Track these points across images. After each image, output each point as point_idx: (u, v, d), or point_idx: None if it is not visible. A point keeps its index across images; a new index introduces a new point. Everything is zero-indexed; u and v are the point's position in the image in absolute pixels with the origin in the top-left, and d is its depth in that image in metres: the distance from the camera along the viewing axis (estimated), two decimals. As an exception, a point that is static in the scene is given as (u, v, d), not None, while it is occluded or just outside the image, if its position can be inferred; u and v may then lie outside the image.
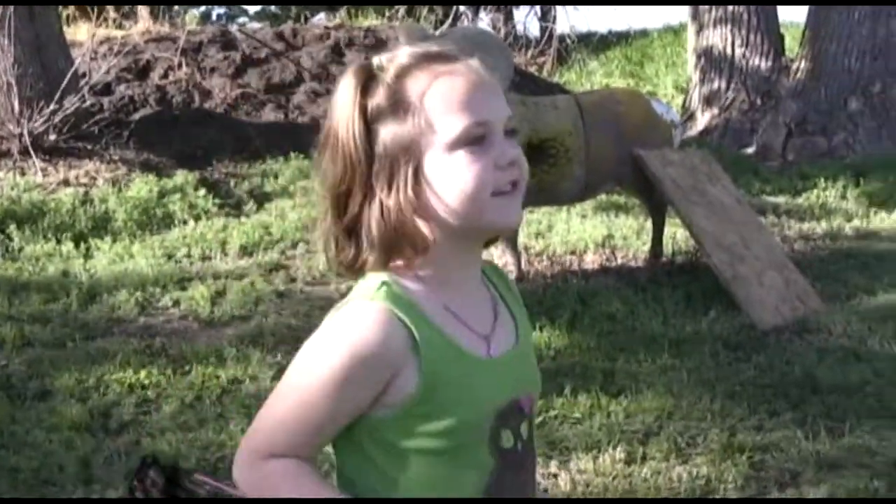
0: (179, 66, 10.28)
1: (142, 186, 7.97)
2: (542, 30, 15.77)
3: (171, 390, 4.82)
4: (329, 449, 1.74)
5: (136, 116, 9.39)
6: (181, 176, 8.31)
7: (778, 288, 6.02)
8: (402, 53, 1.72)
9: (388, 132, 1.68)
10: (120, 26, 11.91)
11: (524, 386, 1.84)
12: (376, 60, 1.72)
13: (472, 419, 1.74)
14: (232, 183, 8.65)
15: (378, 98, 1.69)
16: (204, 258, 6.82)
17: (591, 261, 6.91)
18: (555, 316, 5.51)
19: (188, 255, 6.82)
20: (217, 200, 8.05)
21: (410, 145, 1.67)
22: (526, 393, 1.84)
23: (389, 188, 1.68)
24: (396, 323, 1.66)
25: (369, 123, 1.69)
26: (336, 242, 1.75)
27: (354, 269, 1.75)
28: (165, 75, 10.21)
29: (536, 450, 1.90)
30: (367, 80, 1.70)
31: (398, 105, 1.68)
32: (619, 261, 7.00)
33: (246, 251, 7.01)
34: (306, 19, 14.25)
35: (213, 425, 4.46)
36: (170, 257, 6.80)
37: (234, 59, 10.57)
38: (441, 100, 1.67)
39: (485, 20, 16.32)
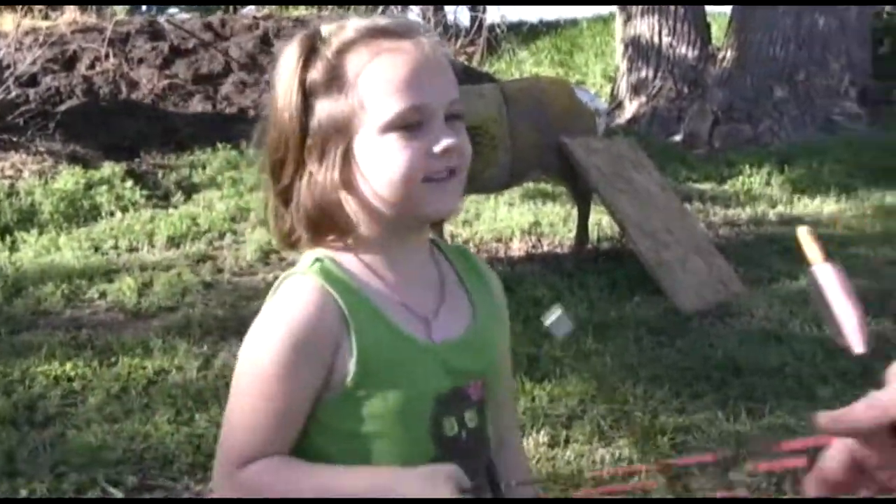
0: (107, 56, 10.21)
1: (68, 178, 7.91)
2: (473, 19, 15.81)
3: (98, 382, 4.80)
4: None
5: (63, 108, 9.31)
6: (108, 168, 8.26)
7: (701, 273, 6.11)
8: (350, 26, 1.67)
9: (322, 108, 1.65)
10: (46, 17, 11.79)
11: (474, 373, 1.78)
12: (324, 30, 1.67)
13: (409, 403, 1.70)
14: (160, 174, 8.60)
15: (316, 72, 1.65)
16: (131, 250, 6.79)
17: (518, 248, 6.97)
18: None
19: (115, 247, 6.80)
20: (144, 192, 8.01)
21: (343, 124, 1.64)
22: (475, 380, 1.78)
23: (319, 164, 1.66)
24: (328, 298, 1.64)
25: (307, 97, 1.66)
26: (275, 212, 1.74)
27: (290, 242, 1.74)
28: (92, 66, 10.14)
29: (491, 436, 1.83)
30: (310, 52, 1.65)
31: (334, 82, 1.64)
32: (546, 248, 7.05)
33: (173, 242, 6.98)
34: (235, 9, 14.18)
35: (139, 416, 4.46)
36: (97, 249, 6.77)
37: (162, 49, 10.52)
38: (378, 80, 1.63)
39: (415, 10, 16.33)
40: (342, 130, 1.64)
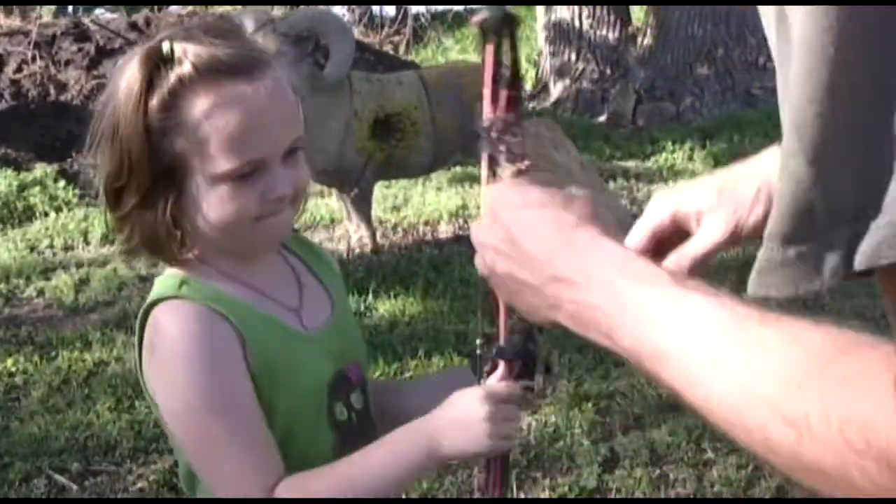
0: (33, 59, 10.23)
1: (1, 181, 7.96)
2: (398, 9, 15.90)
3: (39, 376, 4.92)
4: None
5: (-8, 112, 9.36)
6: (40, 169, 8.32)
7: (623, 247, 6.30)
8: (192, 56, 1.60)
9: (161, 144, 1.60)
10: (-31, 22, 11.80)
11: (348, 355, 1.82)
12: (165, 47, 1.60)
13: (307, 394, 1.73)
14: (91, 173, 8.63)
15: (155, 102, 1.59)
16: (67, 248, 6.87)
17: (445, 230, 7.11)
18: (409, 284, 5.72)
19: (51, 246, 6.88)
20: (77, 191, 8.04)
21: (179, 163, 1.61)
22: (351, 362, 1.82)
23: (155, 199, 1.63)
24: (212, 314, 1.63)
25: (149, 130, 1.60)
26: (117, 227, 1.70)
27: (136, 254, 1.73)
28: (19, 69, 10.16)
29: (378, 417, 1.86)
30: (152, 76, 1.59)
31: (172, 120, 1.59)
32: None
33: (108, 239, 7.01)
34: (160, 8, 14.20)
35: (80, 406, 4.59)
36: (32, 249, 6.85)
37: (89, 50, 10.54)
38: (213, 133, 1.59)
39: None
40: (178, 169, 1.61)
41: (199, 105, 1.58)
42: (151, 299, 1.67)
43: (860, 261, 0.90)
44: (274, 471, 1.63)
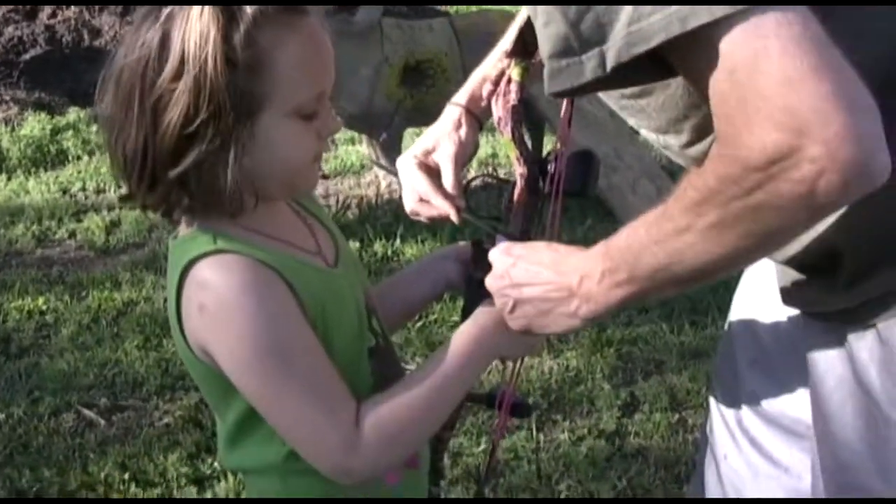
0: (68, 5, 10.27)
1: (35, 125, 8.01)
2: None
3: (69, 315, 5.00)
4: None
5: (27, 57, 9.39)
6: (74, 113, 8.37)
7: (651, 196, 6.29)
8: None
9: (237, 85, 1.56)
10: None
11: (363, 283, 1.88)
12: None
13: (353, 328, 1.76)
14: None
15: (238, 38, 1.55)
16: (98, 191, 6.92)
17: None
18: (436, 229, 5.74)
19: (83, 189, 6.93)
20: (110, 135, 8.12)
21: (252, 103, 1.58)
22: (365, 290, 1.87)
23: (227, 144, 1.58)
24: (260, 265, 1.61)
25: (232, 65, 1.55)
26: (153, 182, 1.62)
27: (161, 211, 1.67)
28: (54, 15, 10.19)
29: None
30: (229, 20, 1.55)
31: (251, 57, 1.56)
32: (502, 176, 7.19)
33: (140, 182, 7.12)
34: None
35: (109, 344, 4.67)
36: (65, 192, 6.90)
37: (123, -4, 10.58)
38: (292, 62, 1.59)
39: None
40: (254, 109, 1.58)
41: (277, 35, 1.58)
42: (189, 258, 1.61)
43: (611, 59, 1.39)
44: (351, 405, 1.64)
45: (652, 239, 1.50)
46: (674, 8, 1.31)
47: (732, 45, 1.30)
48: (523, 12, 1.98)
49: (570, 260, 1.66)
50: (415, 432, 1.71)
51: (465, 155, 2.16)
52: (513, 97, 1.96)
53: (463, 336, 1.76)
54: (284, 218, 1.80)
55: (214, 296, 1.59)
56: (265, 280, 1.60)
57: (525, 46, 1.95)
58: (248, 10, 1.55)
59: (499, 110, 1.98)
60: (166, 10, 1.57)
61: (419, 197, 2.14)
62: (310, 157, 1.68)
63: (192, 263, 1.61)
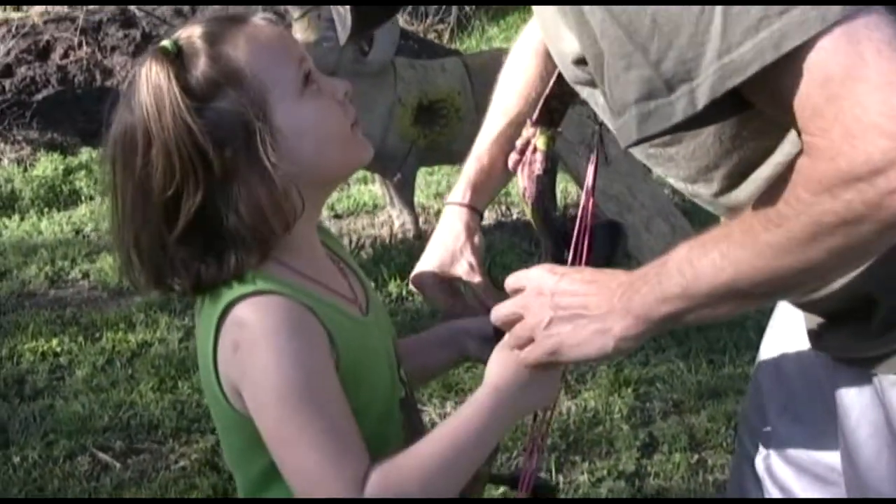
0: (80, 45, 10.31)
1: (47, 165, 8.03)
2: (442, -3, 15.87)
3: (83, 356, 4.98)
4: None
5: (39, 97, 9.41)
6: (86, 153, 8.38)
7: (665, 234, 6.28)
8: (200, 25, 1.64)
9: (226, 103, 1.58)
10: (17, 8, 11.88)
11: (390, 333, 1.86)
12: (169, 42, 1.61)
13: (385, 380, 1.75)
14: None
15: (201, 70, 1.59)
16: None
17: (487, 217, 7.09)
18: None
19: (96, 229, 6.91)
20: (122, 176, 8.12)
21: (256, 110, 1.58)
22: (393, 338, 1.86)
23: (250, 166, 1.58)
24: (299, 307, 1.60)
25: (202, 101, 1.58)
26: (166, 262, 1.64)
27: (197, 288, 1.65)
28: (66, 55, 10.23)
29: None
30: (174, 60, 1.58)
31: (225, 75, 1.59)
32: (515, 216, 7.17)
33: (153, 223, 7.11)
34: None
35: (124, 386, 4.65)
36: (78, 232, 6.90)
37: (135, 36, 10.59)
38: (262, 55, 1.62)
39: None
40: (256, 117, 1.58)
41: (235, 43, 1.61)
42: (229, 300, 1.59)
43: (703, 95, 1.35)
44: (362, 462, 1.59)
45: (721, 253, 1.45)
46: (763, 34, 1.27)
47: (825, 56, 1.26)
48: (533, 75, 2.10)
49: (617, 275, 1.61)
50: (423, 495, 1.62)
51: (482, 261, 2.13)
52: (538, 167, 1.97)
53: (482, 395, 1.69)
54: (323, 262, 1.78)
55: (249, 333, 1.58)
56: (303, 323, 1.59)
57: (551, 115, 1.94)
58: (197, 39, 1.61)
59: (524, 180, 1.98)
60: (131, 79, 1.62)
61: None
62: (345, 122, 1.69)
63: (231, 305, 1.60)
